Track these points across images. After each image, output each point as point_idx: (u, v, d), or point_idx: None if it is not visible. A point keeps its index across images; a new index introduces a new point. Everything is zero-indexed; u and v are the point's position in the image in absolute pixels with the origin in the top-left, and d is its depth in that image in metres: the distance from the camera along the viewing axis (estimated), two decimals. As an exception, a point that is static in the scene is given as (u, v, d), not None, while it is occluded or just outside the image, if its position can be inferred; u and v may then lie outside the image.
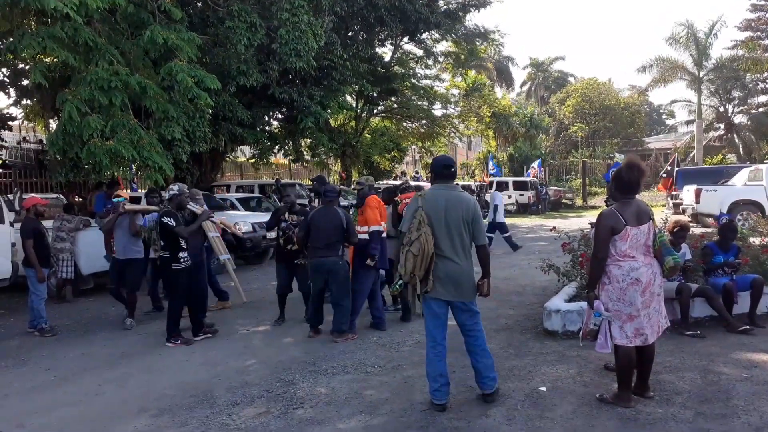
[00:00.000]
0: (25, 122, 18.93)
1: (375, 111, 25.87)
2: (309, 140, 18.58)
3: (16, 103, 15.87)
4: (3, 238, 7.80)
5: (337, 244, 6.10)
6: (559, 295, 6.44)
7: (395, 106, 26.26)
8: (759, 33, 35.30)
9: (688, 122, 36.90)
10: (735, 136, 34.81)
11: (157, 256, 6.69)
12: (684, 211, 15.77)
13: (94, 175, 10.64)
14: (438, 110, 28.44)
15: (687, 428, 3.67)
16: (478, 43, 27.01)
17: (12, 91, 15.20)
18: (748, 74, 31.52)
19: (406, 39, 22.50)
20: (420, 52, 25.23)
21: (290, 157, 20.27)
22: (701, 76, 30.36)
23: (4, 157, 17.46)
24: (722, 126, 35.91)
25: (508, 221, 14.49)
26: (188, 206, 6.59)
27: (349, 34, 18.99)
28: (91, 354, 6.07)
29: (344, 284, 6.14)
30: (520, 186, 26.36)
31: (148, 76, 10.09)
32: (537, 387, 4.45)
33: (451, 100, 29.40)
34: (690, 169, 21.47)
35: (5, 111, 17.25)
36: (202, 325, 6.41)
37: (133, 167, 10.05)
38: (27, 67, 12.28)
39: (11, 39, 8.97)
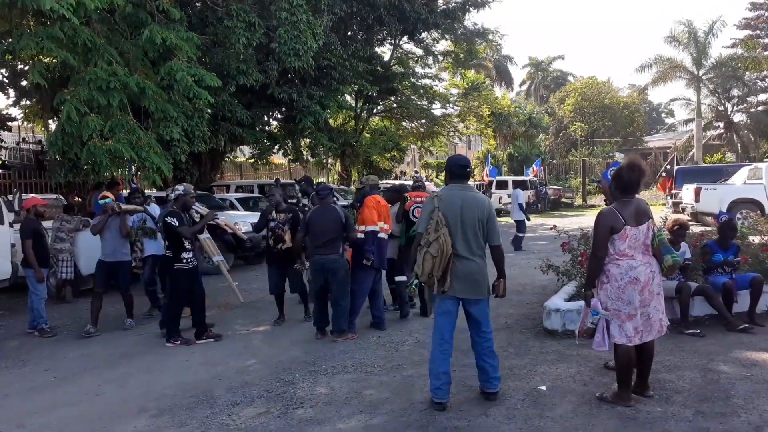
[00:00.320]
0: (25, 123, 18.91)
1: (374, 110, 25.88)
2: (308, 140, 18.57)
3: (15, 104, 15.83)
4: (3, 239, 7.79)
5: (337, 241, 6.10)
6: (559, 294, 6.45)
7: (395, 105, 26.27)
8: (758, 32, 35.32)
9: (688, 121, 36.87)
10: (734, 134, 34.82)
11: (134, 258, 6.69)
12: (684, 210, 15.77)
13: (94, 176, 10.62)
14: (437, 110, 28.50)
15: (687, 427, 3.67)
16: (477, 43, 27.01)
17: (11, 92, 15.18)
18: (747, 73, 31.52)
19: (405, 38, 22.50)
20: (419, 52, 25.24)
21: (290, 157, 20.26)
22: (700, 74, 30.38)
23: (3, 158, 17.43)
24: (721, 125, 35.90)
25: (509, 220, 14.48)
26: (194, 207, 6.61)
27: (348, 33, 18.99)
28: (91, 354, 6.07)
29: (344, 283, 6.14)
30: (519, 185, 26.32)
31: (147, 76, 10.08)
32: (537, 386, 4.45)
33: (451, 99, 29.40)
34: (689, 167, 21.46)
35: (4, 112, 17.23)
36: (205, 328, 6.38)
37: (133, 167, 10.04)
38: (26, 68, 12.28)
39: (10, 39, 8.96)
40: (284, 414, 4.20)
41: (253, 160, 19.62)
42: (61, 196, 11.18)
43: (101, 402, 4.69)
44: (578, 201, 30.50)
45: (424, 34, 22.30)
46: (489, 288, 4.15)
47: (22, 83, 14.40)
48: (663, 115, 59.13)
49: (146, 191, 10.69)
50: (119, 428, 4.15)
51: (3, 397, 4.90)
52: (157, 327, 6.81)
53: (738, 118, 36.16)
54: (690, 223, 7.66)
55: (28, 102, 15.45)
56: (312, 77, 14.94)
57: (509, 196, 24.73)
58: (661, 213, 13.59)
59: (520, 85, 55.36)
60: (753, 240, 7.17)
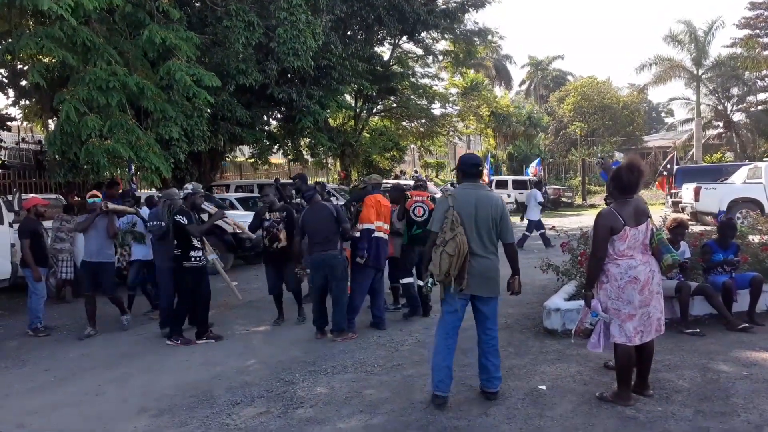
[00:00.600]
0: (24, 123, 18.91)
1: (374, 110, 25.86)
2: (308, 140, 18.57)
3: (14, 104, 15.84)
4: (2, 239, 7.80)
5: (334, 237, 6.12)
6: (559, 293, 6.45)
7: (394, 105, 26.25)
8: (758, 31, 35.36)
9: (687, 120, 36.86)
10: (734, 134, 34.83)
11: (122, 261, 6.65)
12: (683, 210, 15.77)
13: (93, 176, 10.61)
14: (437, 109, 28.47)
15: (686, 426, 3.67)
16: (476, 43, 27.00)
17: (10, 92, 15.18)
18: (746, 72, 31.53)
19: (404, 38, 22.49)
20: (419, 51, 25.22)
21: (289, 157, 20.26)
22: (700, 74, 30.37)
23: (3, 158, 17.44)
24: (721, 124, 35.91)
25: (511, 219, 14.42)
26: (203, 206, 6.62)
27: (348, 33, 18.99)
28: (91, 354, 6.07)
29: (342, 280, 6.15)
30: (519, 185, 26.32)
31: (147, 76, 10.08)
32: (537, 386, 4.45)
33: (450, 99, 29.39)
34: (689, 167, 21.46)
35: (4, 112, 17.24)
36: (206, 328, 6.38)
37: (132, 167, 10.04)
38: (25, 68, 12.27)
39: (9, 39, 8.95)
40: (284, 414, 4.20)
41: (252, 160, 19.60)
42: (60, 196, 11.18)
43: (101, 402, 4.69)
44: (578, 200, 30.49)
45: (423, 34, 22.30)
46: (499, 284, 4.20)
47: (21, 83, 14.40)
48: (662, 114, 59.17)
49: (142, 191, 10.69)
50: (119, 428, 4.15)
51: (3, 397, 4.90)
52: (157, 327, 6.81)
53: (737, 117, 36.19)
54: (690, 222, 7.65)
55: (27, 102, 15.45)
56: (311, 77, 14.94)
57: (509, 195, 24.88)
58: (660, 212, 13.61)
59: (520, 85, 55.40)
60: (753, 239, 7.17)
